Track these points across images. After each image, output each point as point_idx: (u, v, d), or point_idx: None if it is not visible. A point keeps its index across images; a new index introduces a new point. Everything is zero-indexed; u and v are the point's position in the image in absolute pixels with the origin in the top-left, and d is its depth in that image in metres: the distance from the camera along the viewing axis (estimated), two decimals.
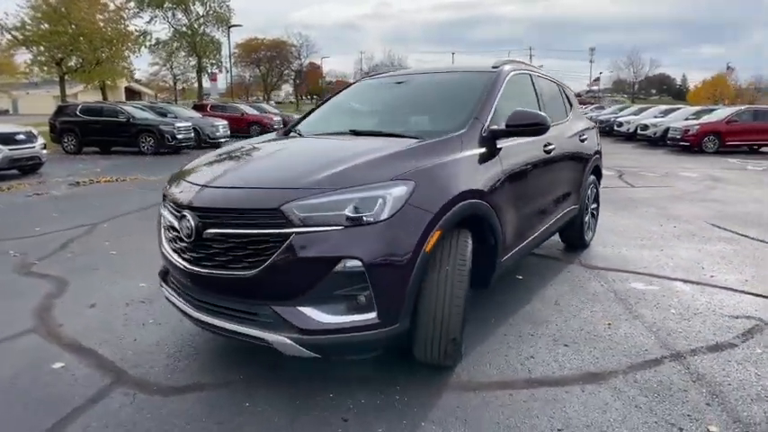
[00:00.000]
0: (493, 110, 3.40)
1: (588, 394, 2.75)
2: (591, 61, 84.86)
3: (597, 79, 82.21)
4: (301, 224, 2.35)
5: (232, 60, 52.35)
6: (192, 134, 17.84)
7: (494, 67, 3.93)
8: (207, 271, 2.57)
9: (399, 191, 2.48)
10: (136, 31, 32.14)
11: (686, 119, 20.82)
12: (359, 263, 2.33)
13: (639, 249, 5.56)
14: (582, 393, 2.76)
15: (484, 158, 3.12)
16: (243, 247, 2.45)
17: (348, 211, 2.35)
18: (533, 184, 3.78)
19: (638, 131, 22.84)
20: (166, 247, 2.91)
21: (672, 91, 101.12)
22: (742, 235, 6.23)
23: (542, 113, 3.35)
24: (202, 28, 41.99)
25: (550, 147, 4.05)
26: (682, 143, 18.41)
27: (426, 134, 3.17)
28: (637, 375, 2.93)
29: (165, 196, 3.03)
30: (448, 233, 2.66)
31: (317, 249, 2.34)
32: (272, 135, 4.15)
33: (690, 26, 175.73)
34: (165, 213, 2.93)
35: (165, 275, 3.13)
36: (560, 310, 3.87)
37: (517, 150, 3.49)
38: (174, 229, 2.77)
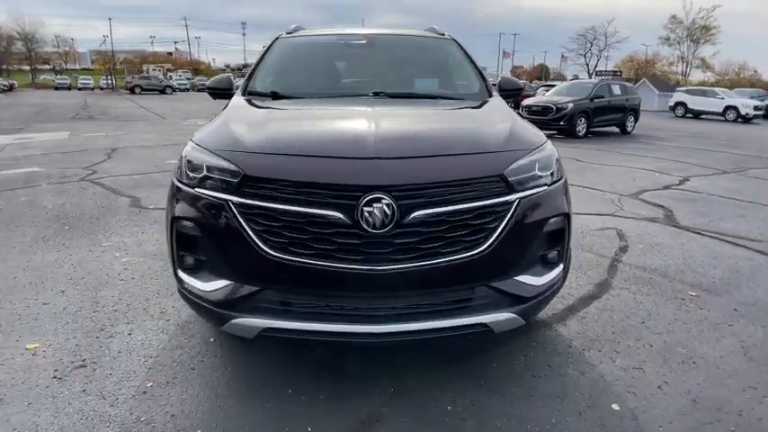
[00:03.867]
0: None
1: None
2: (244, 34, 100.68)
3: None
4: (521, 188, 2.32)
5: None
6: None
7: (441, 35, 4.33)
8: (409, 265, 2.12)
9: (554, 148, 2.71)
10: None
11: None
12: (562, 220, 2.50)
13: None
14: None
15: None
16: (461, 225, 2.19)
17: (540, 171, 2.44)
18: None
19: None
20: (296, 257, 2.14)
21: None
22: None
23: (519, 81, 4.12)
24: None
25: None
26: None
27: (459, 96, 3.54)
28: None
29: (267, 182, 2.18)
30: None
31: (539, 212, 2.37)
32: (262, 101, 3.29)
33: None
34: (284, 207, 2.13)
35: (238, 303, 2.26)
36: None
37: None
38: (329, 224, 2.10)
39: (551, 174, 2.50)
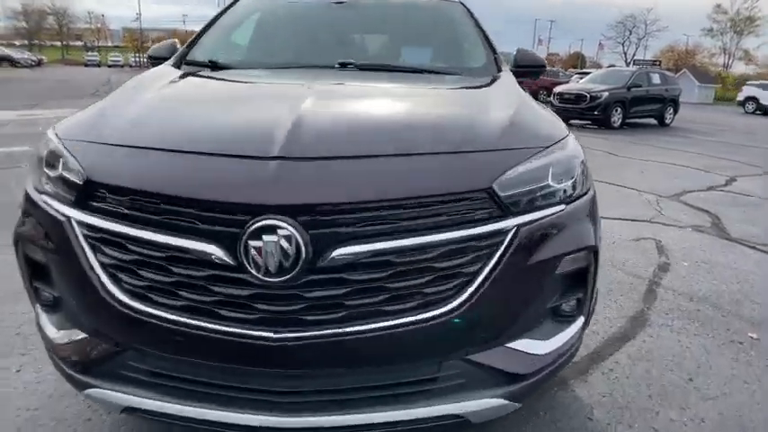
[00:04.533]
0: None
1: None
2: None
3: None
4: (522, 209, 1.52)
5: None
6: None
7: None
8: (330, 332, 1.36)
9: (578, 146, 1.88)
10: None
11: None
12: (587, 256, 1.70)
13: None
14: None
15: None
16: (418, 270, 1.39)
17: (553, 181, 1.62)
18: None
19: None
20: (160, 309, 1.39)
21: None
22: None
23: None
24: None
25: None
26: None
27: (455, 71, 2.64)
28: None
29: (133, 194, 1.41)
30: None
31: (551, 246, 1.57)
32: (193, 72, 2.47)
33: None
34: (152, 236, 1.37)
35: (92, 365, 1.55)
36: None
37: None
38: (202, 263, 1.35)
39: (573, 185, 1.68)
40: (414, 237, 1.37)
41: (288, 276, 1.31)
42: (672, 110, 17.06)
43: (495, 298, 1.46)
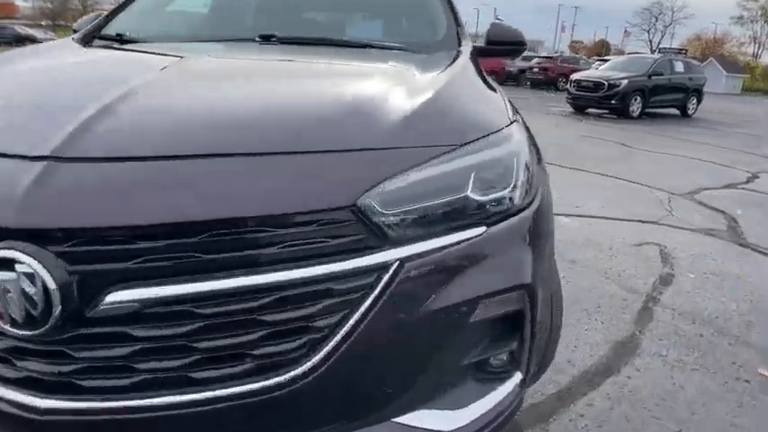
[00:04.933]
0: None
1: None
2: None
3: None
4: (409, 235, 1.06)
5: None
6: None
7: None
8: (120, 404, 0.94)
9: (522, 136, 1.40)
10: None
11: None
12: (519, 297, 1.22)
13: None
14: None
15: None
16: (241, 323, 0.96)
17: (475, 192, 1.15)
18: None
19: None
20: None
21: None
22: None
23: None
24: None
25: None
26: None
27: (400, 47, 2.09)
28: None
29: None
30: None
31: (456, 284, 1.10)
32: (72, 44, 2.11)
33: None
34: None
35: None
36: None
37: None
38: None
39: (508, 196, 1.21)
40: (234, 276, 0.93)
41: (42, 330, 0.88)
42: (695, 100, 16.25)
43: (369, 358, 1.03)
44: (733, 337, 2.71)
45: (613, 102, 14.07)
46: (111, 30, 2.26)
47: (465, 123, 1.31)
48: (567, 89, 15.78)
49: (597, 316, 2.83)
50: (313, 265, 0.97)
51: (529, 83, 26.87)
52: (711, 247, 4.10)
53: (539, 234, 1.32)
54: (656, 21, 68.37)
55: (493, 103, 1.53)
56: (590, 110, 15.02)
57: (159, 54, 1.84)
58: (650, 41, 69.25)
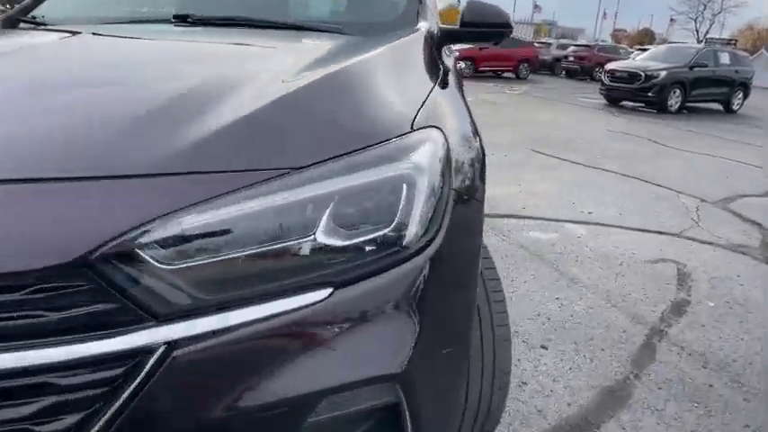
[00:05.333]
0: None
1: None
2: None
3: None
4: (187, 306, 0.71)
5: None
6: None
7: None
8: None
9: (430, 152, 0.97)
10: None
11: None
12: (389, 389, 0.85)
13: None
14: None
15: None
16: None
17: (327, 235, 0.79)
18: None
19: None
20: None
21: None
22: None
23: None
24: None
25: None
26: None
27: (347, 26, 1.68)
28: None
29: None
30: None
31: (276, 377, 0.74)
32: None
33: None
34: None
35: None
36: None
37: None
38: None
39: (390, 237, 0.82)
40: None
41: None
42: (741, 94, 15.20)
43: None
44: (752, 391, 2.23)
45: (650, 94, 13.22)
46: (39, 12, 1.97)
47: (325, 136, 0.91)
48: (601, 79, 14.97)
49: (586, 351, 2.39)
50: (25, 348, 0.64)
51: (564, 72, 25.86)
52: (740, 268, 3.57)
53: (443, 285, 0.92)
54: (704, 9, 65.36)
55: (394, 107, 1.10)
56: (625, 102, 14.21)
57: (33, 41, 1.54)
58: (697, 31, 66.26)
